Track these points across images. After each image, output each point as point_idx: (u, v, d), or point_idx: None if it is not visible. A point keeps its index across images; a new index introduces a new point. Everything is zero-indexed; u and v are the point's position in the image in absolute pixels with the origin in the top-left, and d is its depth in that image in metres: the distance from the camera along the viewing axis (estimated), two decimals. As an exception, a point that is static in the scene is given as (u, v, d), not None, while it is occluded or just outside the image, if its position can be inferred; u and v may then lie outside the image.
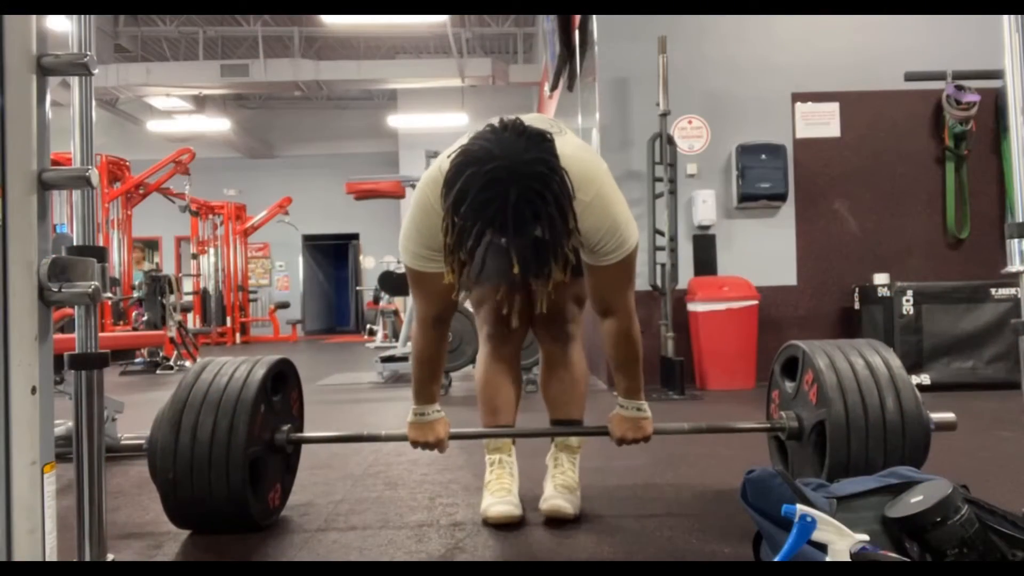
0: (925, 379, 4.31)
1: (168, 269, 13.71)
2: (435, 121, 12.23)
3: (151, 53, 12.41)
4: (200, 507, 1.77)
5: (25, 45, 0.92)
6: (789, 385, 2.03)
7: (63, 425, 2.63)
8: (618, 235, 1.61)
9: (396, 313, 10.02)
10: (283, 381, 2.02)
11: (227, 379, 1.83)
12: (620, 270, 1.68)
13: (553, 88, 6.56)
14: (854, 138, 5.03)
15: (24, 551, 0.88)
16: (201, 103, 13.29)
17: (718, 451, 2.81)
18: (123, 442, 1.91)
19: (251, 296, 13.31)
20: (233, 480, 1.74)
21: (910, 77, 4.62)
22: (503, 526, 1.87)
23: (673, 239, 4.59)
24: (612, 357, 1.81)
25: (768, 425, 2.05)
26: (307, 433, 2.10)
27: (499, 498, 1.91)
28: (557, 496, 1.92)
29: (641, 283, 4.81)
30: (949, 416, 1.88)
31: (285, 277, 16.03)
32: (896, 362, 1.86)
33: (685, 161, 4.99)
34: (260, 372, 1.86)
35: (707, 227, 5.00)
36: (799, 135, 5.04)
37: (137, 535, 1.92)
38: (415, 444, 1.86)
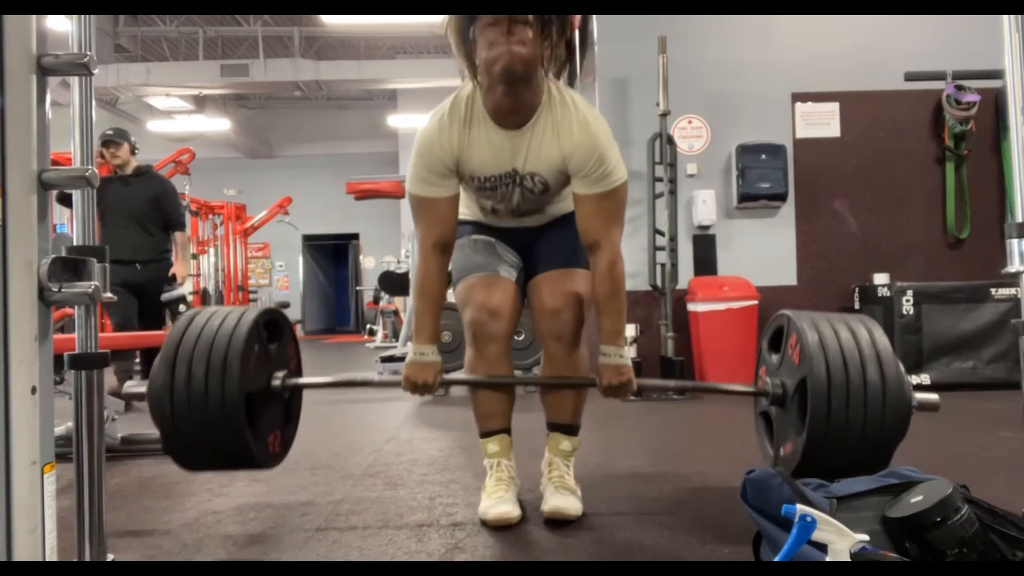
0: (925, 379, 4.31)
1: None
2: (435, 121, 12.19)
3: (151, 53, 12.40)
4: (199, 442, 1.76)
5: (25, 45, 0.92)
6: (775, 357, 2.01)
7: (63, 425, 2.63)
8: (607, 164, 1.79)
9: (396, 313, 10.03)
10: (278, 332, 2.00)
11: (220, 320, 1.83)
12: (608, 201, 1.82)
13: (553, 88, 6.56)
14: (854, 138, 5.03)
15: (24, 551, 0.88)
16: (201, 103, 13.28)
17: (718, 451, 2.82)
18: (125, 390, 1.90)
19: (251, 296, 13.29)
20: (229, 413, 1.72)
21: (910, 77, 4.61)
22: (503, 526, 1.87)
23: (673, 239, 4.59)
24: (596, 294, 1.88)
25: (753, 389, 2.03)
26: (304, 380, 2.05)
27: (497, 499, 1.91)
28: (559, 497, 1.92)
29: (641, 283, 4.81)
30: (932, 397, 1.83)
31: (285, 277, 16.03)
32: (882, 338, 1.81)
33: (685, 161, 4.99)
34: (252, 315, 1.87)
35: (707, 227, 5.00)
36: (799, 135, 5.04)
37: (137, 535, 1.92)
38: (409, 383, 1.88)
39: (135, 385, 1.87)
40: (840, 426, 1.68)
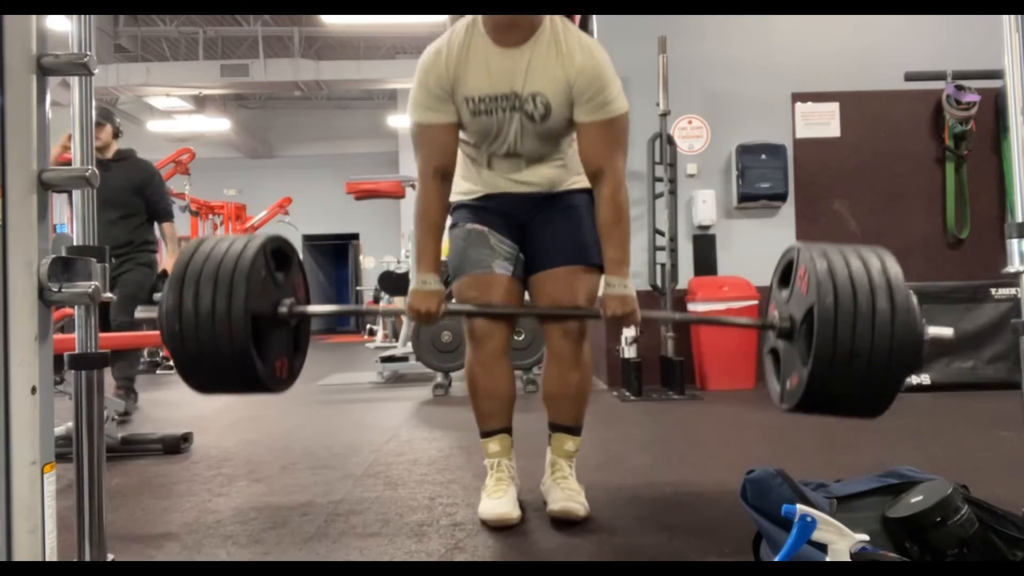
0: (925, 379, 4.30)
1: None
2: (435, 121, 12.19)
3: (151, 53, 12.40)
4: (207, 361, 1.77)
5: (25, 45, 0.92)
6: (784, 292, 1.94)
7: (63, 425, 2.63)
8: (609, 90, 1.81)
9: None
10: (286, 262, 2.00)
11: (228, 245, 1.85)
12: (610, 129, 1.83)
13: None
14: (854, 138, 5.03)
15: (24, 551, 0.88)
16: (201, 103, 13.28)
17: (718, 451, 2.82)
18: (138, 315, 1.90)
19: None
20: (235, 332, 1.73)
21: (910, 77, 4.61)
22: (502, 527, 1.87)
23: (673, 239, 4.59)
24: (599, 223, 1.88)
25: (760, 322, 1.99)
26: (311, 308, 2.03)
27: (497, 499, 1.91)
28: (567, 498, 1.92)
29: (641, 283, 4.81)
30: (946, 331, 1.76)
31: (285, 277, 16.01)
32: (894, 267, 1.74)
33: (685, 161, 4.99)
34: (259, 240, 1.89)
35: (707, 227, 5.00)
36: (799, 135, 5.04)
37: (137, 535, 1.92)
38: (413, 311, 1.88)
39: (145, 310, 1.87)
40: (846, 353, 1.62)
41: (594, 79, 1.79)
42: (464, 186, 2.03)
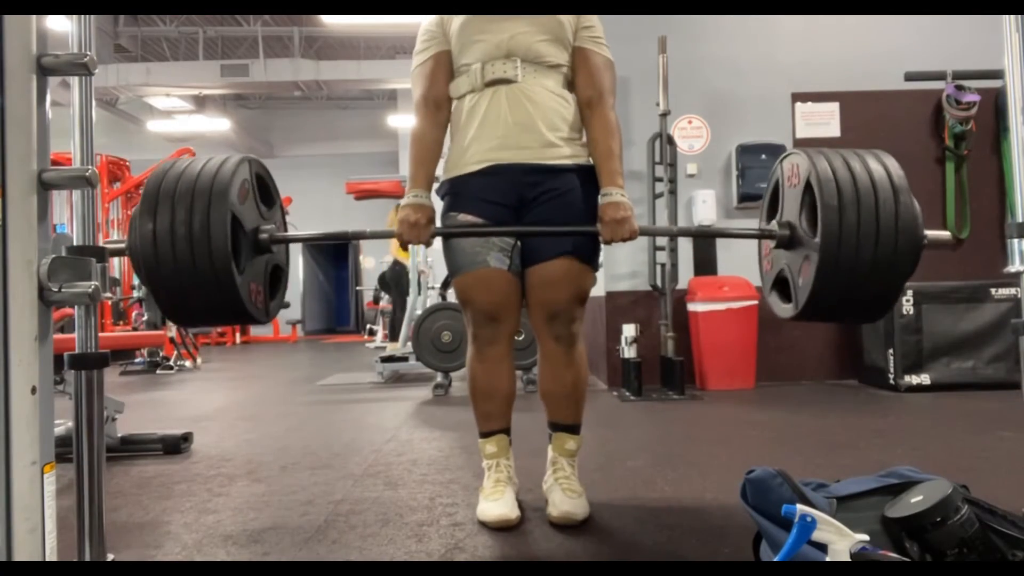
0: (925, 379, 4.30)
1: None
2: (435, 121, 12.18)
3: (151, 53, 12.40)
4: (184, 279, 1.65)
5: (25, 45, 0.92)
6: (775, 220, 1.93)
7: (63, 425, 2.63)
8: (602, 35, 1.99)
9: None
10: (267, 194, 1.95)
11: (203, 163, 1.76)
12: (602, 63, 1.97)
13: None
14: (854, 138, 5.02)
15: (24, 551, 0.88)
16: (201, 103, 13.28)
17: (718, 451, 2.82)
18: (104, 244, 1.76)
19: (251, 296, 13.26)
20: (215, 243, 1.63)
21: (910, 77, 4.61)
22: (502, 527, 1.87)
23: (673, 239, 4.59)
24: (591, 139, 1.95)
25: (760, 231, 1.94)
26: (291, 234, 1.97)
27: (495, 501, 1.91)
28: (568, 501, 1.91)
29: (641, 283, 4.81)
30: (944, 233, 1.78)
31: (285, 277, 15.99)
32: (894, 164, 1.73)
33: (685, 161, 4.99)
34: (237, 156, 1.80)
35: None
36: (799, 135, 5.03)
37: (137, 535, 1.92)
38: (404, 224, 1.88)
39: (115, 241, 1.80)
40: (851, 219, 1.63)
41: (592, 19, 1.98)
42: (462, 159, 1.96)
